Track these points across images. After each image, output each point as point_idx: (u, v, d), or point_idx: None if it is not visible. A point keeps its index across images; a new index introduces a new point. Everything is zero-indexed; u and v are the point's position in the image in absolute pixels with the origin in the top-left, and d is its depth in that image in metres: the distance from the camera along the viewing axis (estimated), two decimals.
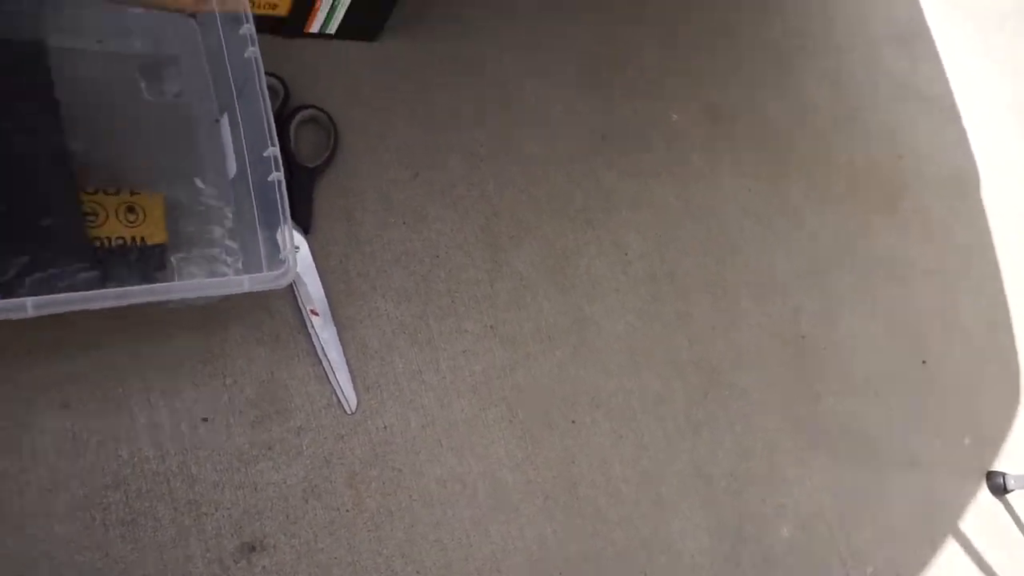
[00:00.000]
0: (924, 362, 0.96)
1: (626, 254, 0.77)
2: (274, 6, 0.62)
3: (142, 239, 0.52)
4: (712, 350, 0.79)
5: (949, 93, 1.25)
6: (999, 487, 0.92)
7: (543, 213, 0.74)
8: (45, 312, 0.41)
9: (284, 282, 0.48)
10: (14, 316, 0.41)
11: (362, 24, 0.67)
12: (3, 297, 0.44)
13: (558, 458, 0.65)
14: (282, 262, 0.48)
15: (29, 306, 0.40)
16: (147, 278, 0.52)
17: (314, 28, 0.65)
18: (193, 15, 0.58)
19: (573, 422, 0.66)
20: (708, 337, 0.79)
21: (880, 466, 0.85)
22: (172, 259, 0.54)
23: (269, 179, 0.49)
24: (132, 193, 0.53)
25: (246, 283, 0.47)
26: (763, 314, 0.85)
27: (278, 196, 0.48)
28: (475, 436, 0.62)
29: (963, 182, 1.19)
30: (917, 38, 1.28)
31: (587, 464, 0.66)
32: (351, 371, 0.59)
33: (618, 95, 0.85)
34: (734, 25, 1.02)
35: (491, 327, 0.66)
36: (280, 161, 0.49)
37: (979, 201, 1.18)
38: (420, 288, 0.64)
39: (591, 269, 0.74)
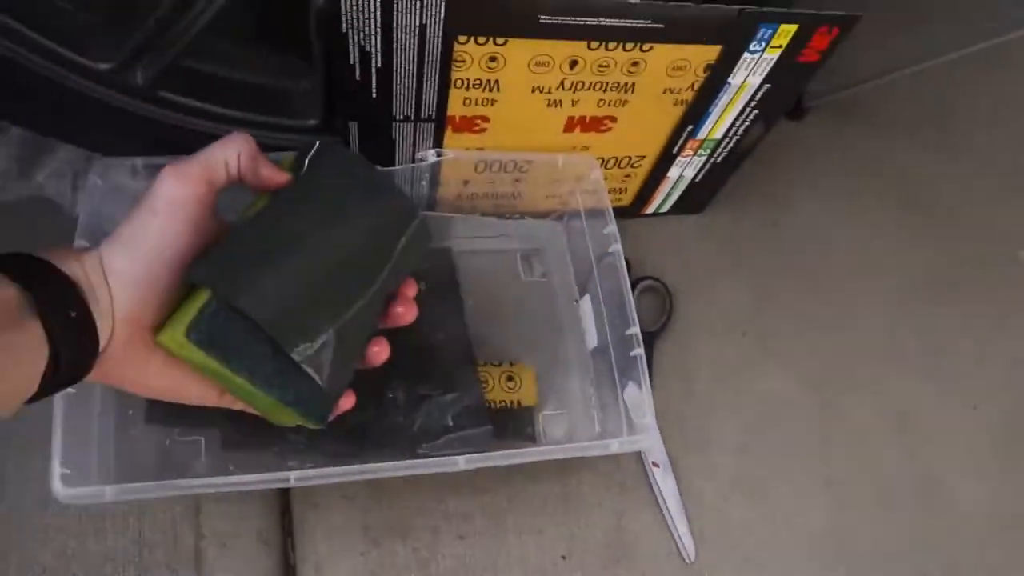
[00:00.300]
0: None
1: (975, 408, 0.73)
2: (619, 200, 0.74)
3: (518, 402, 0.65)
4: None
5: None
6: None
7: (876, 363, 0.73)
8: (472, 467, 0.53)
9: (645, 445, 0.56)
10: (448, 470, 0.53)
11: (690, 203, 0.76)
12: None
13: None
14: (641, 427, 0.56)
15: (462, 462, 0.53)
16: (522, 435, 0.64)
17: (649, 210, 0.76)
18: (560, 216, 0.72)
19: None
20: None
21: None
22: (540, 418, 0.66)
23: (631, 354, 0.58)
24: (511, 364, 0.66)
25: (615, 446, 0.56)
26: None
27: (640, 369, 0.57)
28: None
29: None
30: None
31: None
32: (689, 521, 0.64)
33: (952, 239, 0.82)
34: None
35: (827, 484, 0.67)
36: (640, 339, 0.58)
37: None
38: (753, 441, 0.68)
39: (936, 424, 0.71)
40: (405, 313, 0.44)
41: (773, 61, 0.54)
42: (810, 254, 0.79)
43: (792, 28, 0.50)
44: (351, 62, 0.51)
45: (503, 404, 0.64)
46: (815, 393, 0.71)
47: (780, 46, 0.52)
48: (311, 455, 0.58)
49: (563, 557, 0.62)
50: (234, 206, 0.42)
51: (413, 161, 0.62)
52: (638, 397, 0.59)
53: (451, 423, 0.61)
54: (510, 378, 0.65)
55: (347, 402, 0.44)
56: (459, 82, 0.53)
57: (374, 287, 0.41)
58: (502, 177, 0.66)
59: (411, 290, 0.45)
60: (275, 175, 0.40)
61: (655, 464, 0.66)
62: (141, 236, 0.36)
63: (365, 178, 0.42)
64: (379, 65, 0.51)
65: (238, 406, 0.43)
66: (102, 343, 0.34)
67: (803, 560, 0.63)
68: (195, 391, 0.40)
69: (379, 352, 0.43)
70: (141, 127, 0.59)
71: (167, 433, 0.58)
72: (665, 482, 0.65)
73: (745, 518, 0.65)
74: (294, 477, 0.50)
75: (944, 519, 0.67)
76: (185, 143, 0.59)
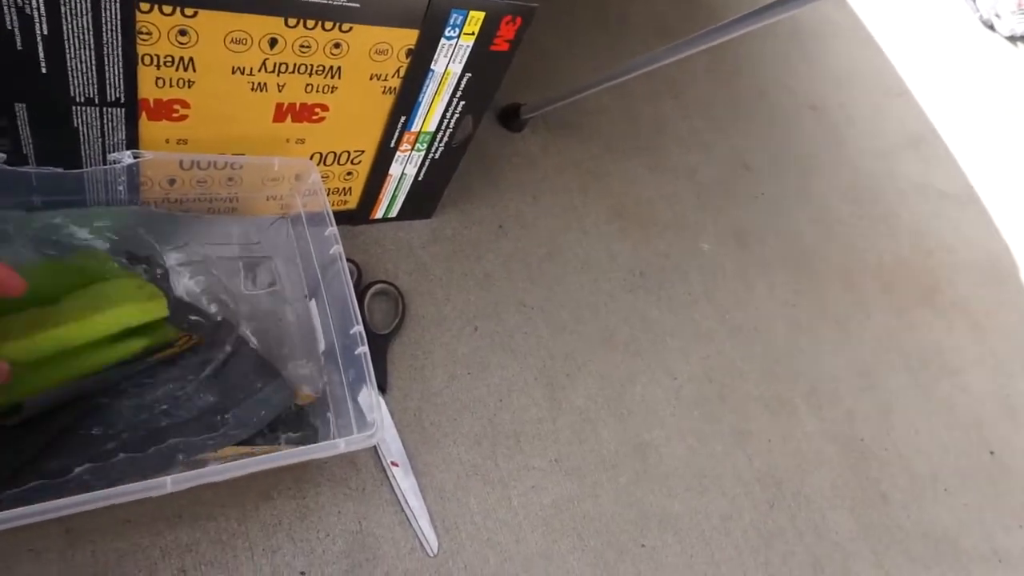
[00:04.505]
0: (992, 453, 0.95)
1: (675, 379, 0.82)
2: (345, 202, 0.73)
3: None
4: (773, 462, 0.81)
5: (968, 187, 1.31)
6: None
7: (594, 350, 0.80)
8: (182, 487, 0.48)
9: (373, 442, 0.55)
10: (155, 494, 0.48)
11: (418, 206, 0.78)
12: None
13: None
14: (370, 424, 0.55)
15: (169, 483, 0.48)
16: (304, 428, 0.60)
17: (378, 215, 0.77)
18: (283, 218, 0.69)
19: (643, 546, 0.70)
20: (767, 450, 0.82)
21: (963, 565, 0.84)
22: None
23: (356, 353, 0.57)
24: None
25: (342, 445, 0.54)
26: (819, 421, 0.87)
27: (365, 366, 0.56)
28: (551, 568, 0.65)
29: (1000, 268, 1.21)
30: (930, 143, 1.36)
31: None
32: (431, 515, 0.64)
33: (651, 235, 0.94)
34: (749, 160, 1.12)
35: (556, 461, 0.71)
36: (364, 336, 0.57)
37: (1020, 284, 1.20)
38: (488, 431, 0.70)
39: (645, 397, 0.80)
40: None
41: (469, 49, 0.58)
42: (532, 254, 0.85)
43: (480, 15, 0.55)
44: (8, 27, 0.44)
45: None
46: (542, 380, 0.76)
47: (473, 33, 0.56)
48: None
49: (302, 573, 0.58)
50: None
51: (105, 162, 0.56)
52: (369, 397, 0.57)
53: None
54: None
55: None
56: (147, 58, 0.49)
57: None
58: (214, 176, 0.62)
59: None
60: None
61: (394, 464, 0.65)
62: None
63: None
64: (45, 32, 0.45)
65: None
66: None
67: (539, 533, 0.66)
68: None
69: None
70: None
71: None
72: (405, 480, 0.65)
73: (484, 504, 0.66)
74: None
75: (655, 478, 0.74)
76: None
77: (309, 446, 0.56)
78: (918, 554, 0.82)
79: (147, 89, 0.52)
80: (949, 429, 0.95)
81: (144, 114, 0.54)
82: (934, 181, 1.29)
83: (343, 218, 0.75)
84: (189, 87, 0.52)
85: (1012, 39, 1.94)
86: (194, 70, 0.51)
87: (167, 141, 0.57)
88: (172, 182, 0.61)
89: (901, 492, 0.86)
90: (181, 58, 0.50)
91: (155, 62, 0.50)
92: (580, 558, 0.67)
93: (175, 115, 0.55)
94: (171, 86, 0.52)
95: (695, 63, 1.16)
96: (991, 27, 1.94)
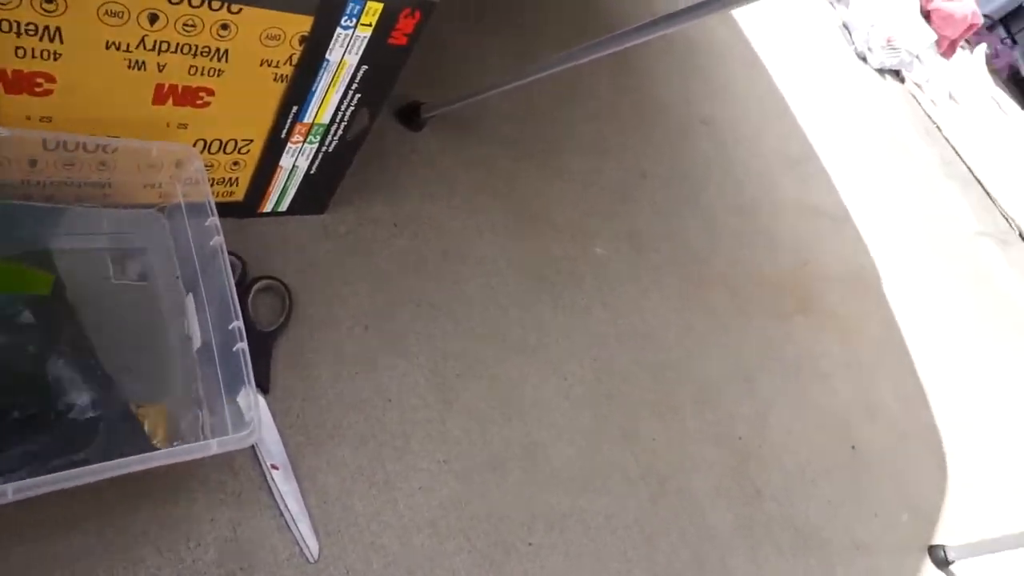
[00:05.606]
0: (853, 448, 1.03)
1: (566, 380, 0.84)
2: (231, 193, 0.70)
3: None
4: (657, 461, 0.84)
5: (841, 205, 1.41)
6: (941, 560, 0.98)
7: (487, 350, 0.80)
8: (24, 496, 0.44)
9: (248, 443, 0.52)
10: None
11: (310, 201, 0.75)
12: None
13: None
14: (247, 424, 0.53)
15: (10, 492, 0.43)
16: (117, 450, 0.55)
17: (267, 208, 0.74)
18: (161, 208, 0.65)
19: (530, 544, 0.70)
20: (652, 449, 0.85)
21: (827, 555, 0.90)
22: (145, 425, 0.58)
23: (234, 349, 0.55)
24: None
25: (214, 446, 0.51)
26: (701, 421, 0.91)
27: (243, 364, 0.54)
28: (437, 570, 0.64)
29: (866, 280, 1.32)
30: (808, 163, 1.46)
31: None
32: (312, 520, 0.62)
33: (548, 239, 0.95)
34: (646, 168, 1.15)
35: (444, 462, 0.71)
36: (244, 332, 0.55)
37: (883, 295, 1.30)
38: (375, 432, 0.69)
39: (536, 398, 0.80)
40: None
41: (367, 40, 0.56)
42: (428, 254, 0.84)
43: (378, 7, 0.54)
44: None
45: None
46: (433, 380, 0.75)
47: (370, 24, 0.55)
48: None
49: None
50: None
51: None
52: (248, 396, 0.55)
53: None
54: None
55: None
56: (6, 24, 0.45)
57: None
58: (83, 159, 0.58)
59: None
60: None
61: (274, 467, 0.62)
62: None
63: None
64: None
65: None
66: None
67: (425, 535, 0.66)
68: None
69: None
70: None
71: None
72: (285, 484, 0.62)
73: (369, 507, 0.65)
74: None
75: (543, 477, 0.75)
76: None
77: (176, 448, 0.53)
78: (787, 547, 0.87)
79: (4, 58, 0.47)
80: (818, 428, 1.02)
81: (0, 86, 0.49)
82: (811, 199, 1.38)
83: (229, 210, 0.71)
84: (55, 59, 0.48)
85: (881, 72, 2.11)
86: (61, 41, 0.47)
87: (28, 118, 0.53)
88: (33, 163, 0.56)
89: (774, 488, 0.91)
90: (47, 27, 0.46)
91: (15, 29, 0.46)
92: (466, 559, 0.66)
93: (38, 89, 0.50)
94: (34, 57, 0.48)
95: (599, 72, 1.19)
96: (864, 59, 2.11)
